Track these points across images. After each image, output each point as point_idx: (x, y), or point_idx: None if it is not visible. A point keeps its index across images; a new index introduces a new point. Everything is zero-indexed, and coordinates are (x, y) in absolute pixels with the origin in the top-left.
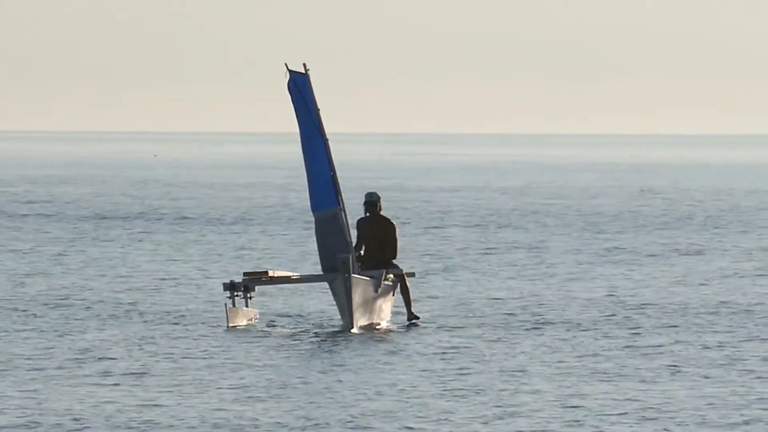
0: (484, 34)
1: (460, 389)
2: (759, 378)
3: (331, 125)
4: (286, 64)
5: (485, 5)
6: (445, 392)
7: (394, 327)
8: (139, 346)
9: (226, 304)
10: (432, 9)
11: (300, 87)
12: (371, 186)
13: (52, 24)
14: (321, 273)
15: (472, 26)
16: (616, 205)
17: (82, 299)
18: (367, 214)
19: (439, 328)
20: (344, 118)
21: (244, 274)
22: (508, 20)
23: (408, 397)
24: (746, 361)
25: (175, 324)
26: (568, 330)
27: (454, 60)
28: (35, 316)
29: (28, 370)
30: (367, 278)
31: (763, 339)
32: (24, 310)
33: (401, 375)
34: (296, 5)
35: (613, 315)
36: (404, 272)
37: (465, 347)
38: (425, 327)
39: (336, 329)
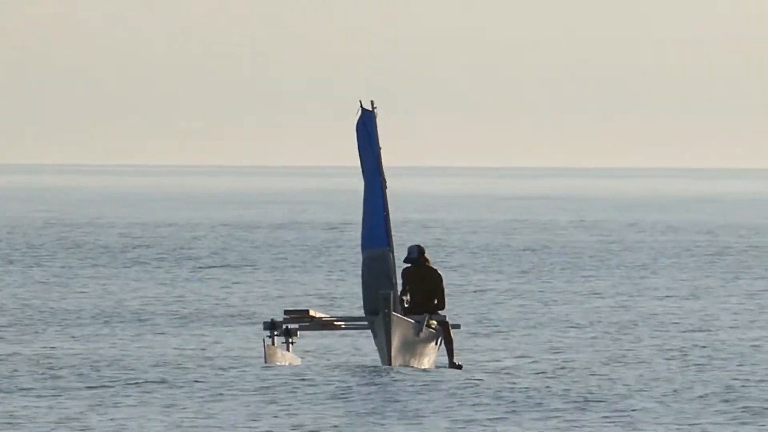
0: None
1: None
2: None
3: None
4: (360, 101)
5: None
6: None
7: (434, 370)
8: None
9: (264, 341)
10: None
11: (367, 125)
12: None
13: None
14: (362, 315)
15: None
16: None
17: None
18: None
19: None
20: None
21: (285, 312)
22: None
23: None
24: None
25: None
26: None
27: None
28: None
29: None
30: (409, 320)
31: None
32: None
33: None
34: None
35: None
36: (449, 321)
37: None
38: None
39: (372, 369)
